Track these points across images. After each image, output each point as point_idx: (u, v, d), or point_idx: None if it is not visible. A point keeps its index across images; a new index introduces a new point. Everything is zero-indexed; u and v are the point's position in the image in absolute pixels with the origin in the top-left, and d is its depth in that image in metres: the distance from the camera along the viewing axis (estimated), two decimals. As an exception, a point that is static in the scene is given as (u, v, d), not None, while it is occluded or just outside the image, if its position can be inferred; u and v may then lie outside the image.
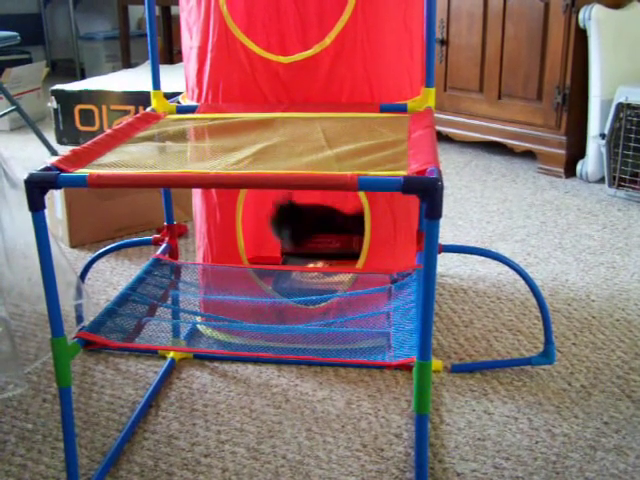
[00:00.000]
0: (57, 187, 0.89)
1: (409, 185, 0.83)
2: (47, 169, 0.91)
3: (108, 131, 1.12)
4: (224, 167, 0.96)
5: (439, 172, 0.84)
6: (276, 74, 1.30)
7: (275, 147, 1.05)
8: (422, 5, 1.28)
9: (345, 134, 1.12)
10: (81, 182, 0.89)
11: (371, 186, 0.86)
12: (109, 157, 1.02)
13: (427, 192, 0.82)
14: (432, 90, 1.27)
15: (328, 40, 1.27)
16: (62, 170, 0.92)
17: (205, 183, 0.95)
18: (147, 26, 1.31)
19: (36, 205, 0.90)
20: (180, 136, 1.16)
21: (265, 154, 1.02)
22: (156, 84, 1.33)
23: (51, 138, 3.09)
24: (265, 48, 1.30)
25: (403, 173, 0.87)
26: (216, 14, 1.30)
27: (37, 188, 0.89)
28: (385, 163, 0.94)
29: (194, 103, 1.37)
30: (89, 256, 1.57)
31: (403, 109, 1.27)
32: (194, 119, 1.26)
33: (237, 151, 1.03)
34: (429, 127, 1.10)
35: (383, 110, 1.27)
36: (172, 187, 0.97)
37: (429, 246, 0.84)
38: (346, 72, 1.30)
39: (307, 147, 1.04)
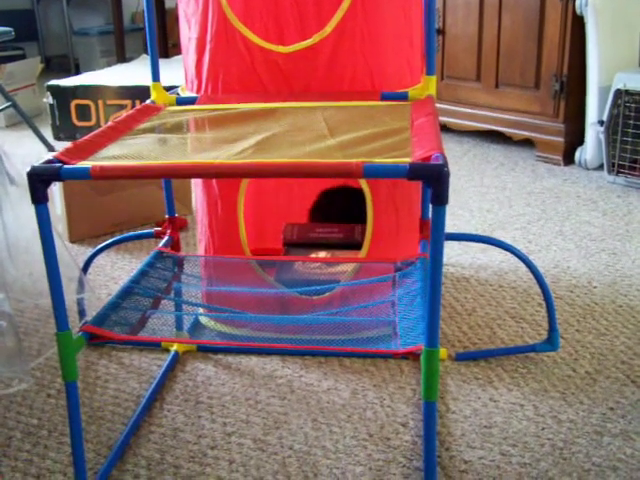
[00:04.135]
0: (60, 179, 0.89)
1: (415, 172, 0.82)
2: (49, 162, 0.91)
3: (109, 123, 1.12)
4: (227, 157, 0.95)
5: (444, 158, 0.84)
6: (276, 64, 1.30)
7: (277, 137, 1.05)
8: (421, -7, 1.27)
9: (347, 123, 1.11)
10: (84, 174, 0.88)
11: (377, 173, 0.86)
12: (111, 149, 1.02)
13: (433, 178, 0.81)
14: (433, 78, 1.26)
15: (328, 29, 1.26)
16: (65, 162, 0.91)
17: (209, 173, 0.94)
18: (145, 17, 1.30)
19: (39, 198, 0.89)
20: (181, 127, 1.16)
21: (267, 144, 1.01)
22: (155, 76, 1.32)
23: (47, 134, 3.08)
24: (264, 38, 1.30)
25: (408, 160, 0.87)
26: (215, 4, 1.29)
27: (40, 181, 0.88)
28: (389, 150, 0.93)
29: (194, 95, 1.36)
30: (89, 251, 1.57)
31: (404, 97, 1.26)
32: (194, 110, 1.26)
33: (239, 141, 1.02)
34: (431, 114, 1.09)
35: (384, 98, 1.26)
36: (176, 178, 0.96)
37: (436, 232, 0.84)
38: (346, 61, 1.29)
39: (309, 136, 1.04)
